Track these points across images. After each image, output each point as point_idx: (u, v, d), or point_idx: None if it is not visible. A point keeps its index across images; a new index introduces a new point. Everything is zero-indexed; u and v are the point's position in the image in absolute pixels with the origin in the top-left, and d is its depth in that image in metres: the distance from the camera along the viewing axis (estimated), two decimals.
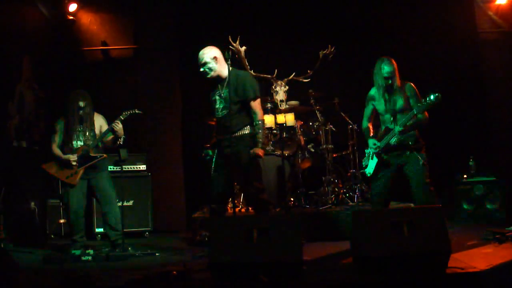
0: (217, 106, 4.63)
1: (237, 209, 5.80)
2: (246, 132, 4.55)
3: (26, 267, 4.40)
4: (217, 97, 4.63)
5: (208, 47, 4.63)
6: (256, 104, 4.55)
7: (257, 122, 4.52)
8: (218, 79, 4.62)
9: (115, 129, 4.99)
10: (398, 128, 4.40)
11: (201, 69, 4.59)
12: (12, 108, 6.34)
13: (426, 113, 4.42)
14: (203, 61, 4.55)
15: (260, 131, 4.50)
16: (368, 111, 4.73)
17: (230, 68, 4.60)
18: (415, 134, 4.49)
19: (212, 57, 4.55)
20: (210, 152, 4.85)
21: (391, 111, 4.50)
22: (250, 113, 4.56)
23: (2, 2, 6.14)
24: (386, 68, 4.42)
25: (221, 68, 4.60)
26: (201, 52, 4.59)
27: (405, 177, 4.49)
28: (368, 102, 4.70)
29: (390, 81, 4.43)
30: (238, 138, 4.52)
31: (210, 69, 4.56)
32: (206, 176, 7.36)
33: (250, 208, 6.13)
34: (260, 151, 4.46)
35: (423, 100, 4.23)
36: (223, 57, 4.60)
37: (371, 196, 4.84)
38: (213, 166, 4.72)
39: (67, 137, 5.15)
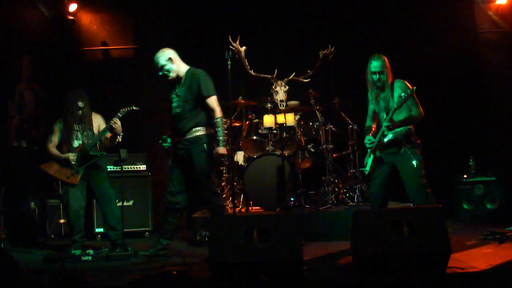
0: (173, 104, 4.66)
1: (237, 209, 5.80)
2: (199, 134, 4.55)
3: (26, 267, 4.40)
4: (174, 96, 4.67)
5: (162, 49, 4.69)
6: (212, 101, 4.54)
7: (215, 119, 4.51)
8: (177, 78, 4.67)
9: (113, 126, 4.98)
10: (385, 124, 4.38)
11: (160, 73, 4.64)
12: (12, 108, 6.35)
13: (421, 109, 4.39)
14: (160, 65, 4.61)
15: (219, 128, 4.49)
16: (369, 111, 4.73)
17: (188, 67, 4.69)
18: (409, 132, 4.43)
19: (167, 59, 4.61)
20: (169, 140, 4.86)
21: (384, 109, 4.49)
22: (208, 112, 4.57)
23: (2, 2, 6.14)
24: (373, 63, 4.43)
25: (179, 68, 4.66)
26: (155, 56, 4.64)
27: (400, 177, 4.46)
28: (368, 102, 4.70)
29: (378, 76, 4.42)
30: (191, 141, 4.55)
31: (168, 71, 4.62)
32: None
33: (250, 208, 6.14)
34: (222, 150, 4.47)
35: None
36: (180, 59, 4.69)
37: (369, 195, 4.84)
38: (170, 162, 4.79)
39: (66, 137, 5.14)
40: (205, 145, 4.52)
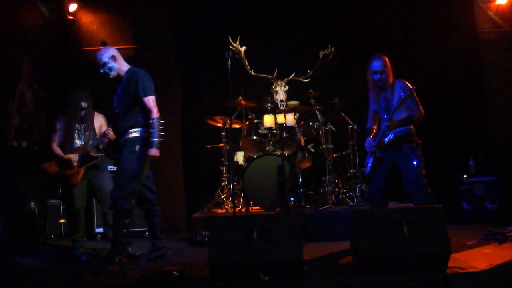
0: (114, 105, 4.59)
1: (237, 209, 5.80)
2: (134, 136, 4.42)
3: (26, 267, 4.40)
4: (115, 96, 4.60)
5: (105, 47, 4.61)
6: (149, 101, 4.41)
7: (151, 120, 4.37)
8: (118, 78, 4.59)
9: (108, 135, 4.98)
10: (385, 124, 4.38)
11: (102, 70, 4.56)
12: (12, 108, 6.35)
13: (421, 109, 4.39)
14: (102, 62, 4.52)
15: (153, 130, 4.34)
16: (370, 111, 4.71)
17: (129, 67, 4.61)
18: (409, 132, 4.42)
19: (110, 56, 4.52)
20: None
21: (385, 109, 4.48)
22: (146, 113, 4.42)
23: (2, 2, 6.14)
24: (374, 63, 4.43)
25: (120, 67, 4.57)
26: (98, 53, 4.56)
27: (400, 177, 4.46)
28: (369, 102, 4.70)
29: (379, 76, 4.41)
30: (126, 141, 4.44)
31: (110, 69, 4.54)
32: (205, 176, 7.44)
33: (250, 208, 6.14)
34: (155, 152, 4.34)
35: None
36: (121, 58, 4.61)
37: (369, 195, 4.83)
38: None
39: (67, 136, 5.16)
40: (137, 146, 4.39)
